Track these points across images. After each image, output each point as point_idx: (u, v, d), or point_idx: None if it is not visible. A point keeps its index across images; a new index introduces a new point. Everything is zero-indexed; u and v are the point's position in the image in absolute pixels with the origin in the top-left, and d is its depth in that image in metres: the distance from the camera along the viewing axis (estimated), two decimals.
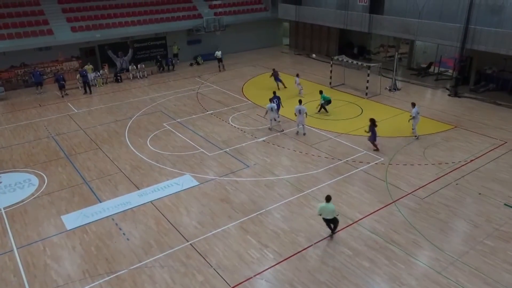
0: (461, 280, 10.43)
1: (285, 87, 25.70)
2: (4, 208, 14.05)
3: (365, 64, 25.12)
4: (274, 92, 21.55)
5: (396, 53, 26.35)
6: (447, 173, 15.61)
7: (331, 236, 12.15)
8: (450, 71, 27.81)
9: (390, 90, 25.49)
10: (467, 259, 11.17)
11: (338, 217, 12.01)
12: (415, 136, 18.61)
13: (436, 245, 11.73)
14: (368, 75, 24.03)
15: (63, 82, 25.66)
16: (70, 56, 28.84)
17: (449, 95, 24.69)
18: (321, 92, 22.11)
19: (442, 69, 28.57)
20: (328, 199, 11.77)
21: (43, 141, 19.28)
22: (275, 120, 19.82)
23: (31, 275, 10.96)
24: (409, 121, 18.83)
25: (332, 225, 12.05)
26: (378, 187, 14.79)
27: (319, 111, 21.92)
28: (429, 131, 19.37)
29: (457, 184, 14.85)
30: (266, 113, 19.73)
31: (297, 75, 25.07)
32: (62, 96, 25.68)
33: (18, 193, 14.99)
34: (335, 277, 10.63)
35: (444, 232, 12.32)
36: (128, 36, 30.27)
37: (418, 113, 18.41)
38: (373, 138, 17.36)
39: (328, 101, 21.96)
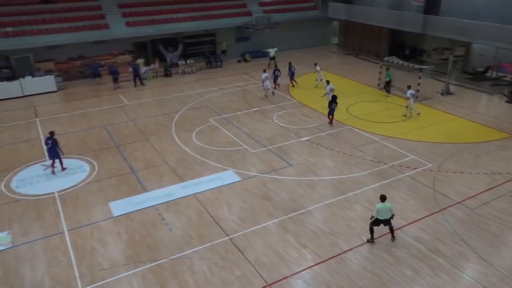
0: None
1: (293, 86, 26.51)
2: (58, 192, 14.88)
3: (416, 66, 24.27)
4: (276, 64, 27.73)
5: (451, 55, 25.24)
6: (500, 184, 14.78)
7: (392, 239, 11.92)
8: (509, 76, 26.27)
9: (442, 94, 24.47)
10: None
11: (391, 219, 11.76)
12: (406, 115, 21.07)
13: (484, 259, 11.16)
14: (420, 78, 23.20)
15: (116, 75, 26.77)
16: (123, 50, 29.98)
17: (506, 101, 23.33)
18: (387, 69, 24.39)
19: (500, 74, 27.05)
20: (383, 198, 11.63)
21: (95, 130, 20.20)
22: (268, 89, 24.28)
23: (79, 257, 11.54)
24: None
25: (386, 225, 11.75)
26: (424, 194, 14.27)
27: (386, 90, 24.35)
28: (483, 139, 18.42)
29: (511, 196, 14.03)
30: (263, 81, 24.13)
31: (316, 64, 26.80)
32: (115, 88, 26.77)
33: (71, 178, 15.81)
34: (374, 283, 10.39)
35: (494, 245, 11.70)
36: (179, 32, 31.02)
37: (412, 95, 20.89)
38: (330, 112, 20.00)
39: (389, 82, 24.21)
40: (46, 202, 14.27)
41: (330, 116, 20.18)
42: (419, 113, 21.10)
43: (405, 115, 21.04)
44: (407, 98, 20.95)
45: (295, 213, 13.30)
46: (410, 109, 21.09)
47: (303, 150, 17.70)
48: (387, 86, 24.30)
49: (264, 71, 24.92)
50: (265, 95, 24.46)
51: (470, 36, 25.20)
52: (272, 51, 30.94)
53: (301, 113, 21.83)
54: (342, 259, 11.28)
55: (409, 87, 21.11)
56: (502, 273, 10.63)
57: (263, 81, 24.20)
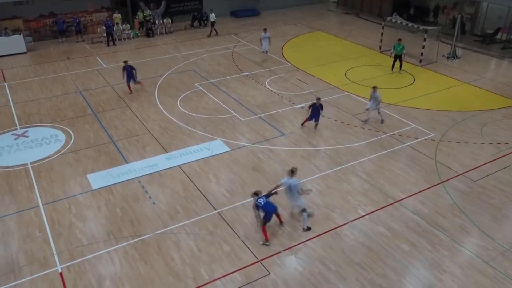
0: (511, 272, 10.23)
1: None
2: (31, 163, 14.81)
3: (421, 27, 24.07)
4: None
5: (459, 15, 25.03)
6: (505, 155, 15.03)
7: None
8: None
9: (448, 58, 24.43)
10: None
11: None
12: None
13: (486, 233, 11.48)
14: (425, 40, 23.06)
15: (79, 27, 27.80)
16: (100, 6, 29.18)
17: None
18: (399, 40, 22.07)
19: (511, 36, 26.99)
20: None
21: (70, 96, 19.93)
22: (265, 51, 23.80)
23: (56, 232, 11.62)
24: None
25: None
26: (425, 165, 14.48)
27: (401, 64, 22.25)
28: (489, 107, 18.57)
29: None
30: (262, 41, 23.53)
31: (265, 30, 23.74)
32: (77, 42, 27.52)
33: (45, 148, 15.71)
34: (370, 258, 10.67)
35: (496, 219, 12.01)
36: None
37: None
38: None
39: (398, 55, 21.92)
40: (18, 175, 14.21)
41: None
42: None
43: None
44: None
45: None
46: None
47: (298, 118, 17.70)
48: (400, 61, 22.03)
49: (265, 30, 23.66)
50: (264, 59, 23.92)
51: None
52: (212, 16, 28.98)
53: (296, 78, 21.70)
54: (337, 233, 11.52)
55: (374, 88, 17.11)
56: (503, 247, 10.97)
57: (262, 40, 23.41)
